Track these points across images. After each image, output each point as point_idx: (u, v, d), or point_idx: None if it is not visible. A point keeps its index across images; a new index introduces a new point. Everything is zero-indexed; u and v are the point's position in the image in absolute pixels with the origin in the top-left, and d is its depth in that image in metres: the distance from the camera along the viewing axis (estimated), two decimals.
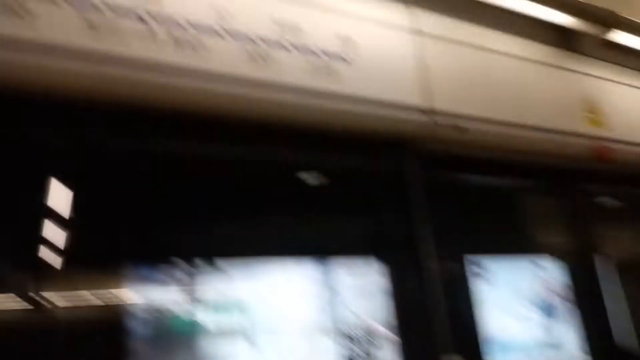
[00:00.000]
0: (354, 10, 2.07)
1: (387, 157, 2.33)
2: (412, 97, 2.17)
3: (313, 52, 1.96)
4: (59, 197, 4.19)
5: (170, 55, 1.70)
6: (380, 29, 2.12)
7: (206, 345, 4.04)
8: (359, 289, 4.66)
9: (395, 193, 3.35)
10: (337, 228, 4.38)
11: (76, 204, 4.22)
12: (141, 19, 1.67)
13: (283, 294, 4.54)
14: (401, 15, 2.20)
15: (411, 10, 2.20)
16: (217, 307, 4.25)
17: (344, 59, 2.02)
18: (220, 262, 4.43)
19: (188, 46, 1.74)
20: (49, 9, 1.52)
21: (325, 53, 1.98)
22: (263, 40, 1.88)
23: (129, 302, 4.06)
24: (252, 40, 1.86)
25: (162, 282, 4.42)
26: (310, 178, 3.81)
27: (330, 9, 2.03)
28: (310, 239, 4.49)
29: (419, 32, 2.24)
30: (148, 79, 1.66)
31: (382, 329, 4.48)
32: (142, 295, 4.64)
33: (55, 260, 6.33)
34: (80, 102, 1.62)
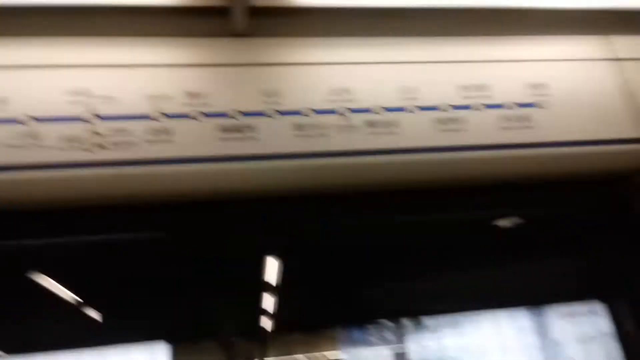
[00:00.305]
0: (544, 55, 1.98)
1: (603, 195, 2.11)
2: (623, 128, 1.96)
3: (503, 106, 1.92)
4: (274, 271, 4.63)
5: (365, 139, 1.81)
6: (573, 67, 1.98)
7: None
8: (580, 335, 4.20)
9: (615, 231, 3.00)
10: (551, 274, 4.05)
11: (289, 275, 4.64)
12: (339, 114, 1.83)
13: (496, 346, 4.30)
14: (595, 47, 2.04)
15: (606, 39, 2.03)
16: None
17: (538, 106, 1.93)
18: (428, 320, 4.39)
19: (381, 127, 1.84)
20: (266, 122, 1.76)
21: (517, 104, 1.92)
22: (450, 106, 1.90)
23: None
24: (440, 109, 1.89)
25: (372, 343, 4.53)
26: (512, 226, 3.64)
27: (517, 59, 1.98)
28: (521, 288, 4.22)
29: (616, 60, 2.05)
30: (345, 163, 1.79)
31: None
32: (353, 357, 4.78)
33: (273, 327, 6.86)
34: (289, 193, 1.81)
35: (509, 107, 1.93)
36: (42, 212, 1.71)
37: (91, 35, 1.77)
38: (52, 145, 1.65)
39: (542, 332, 4.36)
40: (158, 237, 2.31)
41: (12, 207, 1.67)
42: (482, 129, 1.89)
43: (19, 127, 1.64)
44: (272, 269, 4.72)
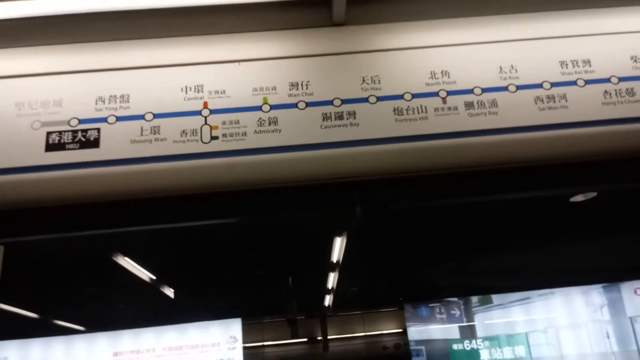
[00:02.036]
0: None
1: None
2: None
3: (606, 81, 1.88)
4: (339, 250, 4.71)
5: (465, 120, 1.82)
6: None
7: None
8: None
9: None
10: (626, 249, 3.95)
11: (354, 254, 4.70)
12: (440, 97, 1.84)
13: (566, 323, 4.24)
14: None
15: None
16: (499, 341, 4.18)
17: None
18: (498, 297, 4.37)
19: (480, 107, 1.84)
20: (366, 108, 1.80)
21: (620, 79, 1.88)
22: (552, 84, 1.88)
23: (410, 339, 4.27)
24: (541, 87, 1.87)
25: (439, 320, 4.55)
26: (586, 201, 3.56)
27: (617, 31, 1.92)
28: (595, 264, 4.14)
29: None
30: (445, 145, 1.81)
31: None
32: (420, 334, 4.82)
33: (336, 305, 6.98)
34: (388, 176, 1.84)
35: (612, 81, 1.89)
36: (153, 199, 1.81)
37: (203, 34, 1.85)
38: (169, 138, 1.74)
39: (616, 309, 4.26)
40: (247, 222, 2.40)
41: (128, 195, 1.78)
42: (584, 105, 1.86)
43: (140, 123, 1.74)
44: (337, 249, 4.79)
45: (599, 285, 4.23)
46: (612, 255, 4.17)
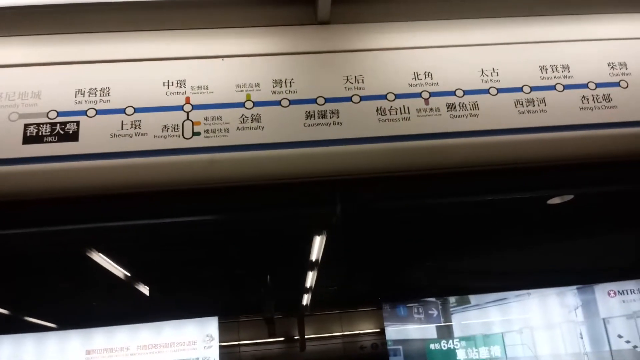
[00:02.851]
0: (623, 34, 1.97)
1: None
2: None
3: (584, 87, 1.92)
4: (318, 249, 4.72)
5: (447, 122, 1.84)
6: None
7: None
8: (629, 313, 4.20)
9: None
10: (601, 251, 4.05)
11: (332, 253, 4.72)
12: (422, 98, 1.86)
13: (541, 324, 4.32)
14: None
15: None
16: (475, 341, 4.25)
17: (618, 86, 1.92)
18: (475, 297, 4.44)
19: (462, 109, 1.86)
20: (350, 108, 1.80)
21: (597, 84, 1.92)
22: (531, 88, 1.91)
23: (387, 339, 4.30)
24: (521, 91, 1.91)
25: (417, 320, 4.59)
26: (563, 203, 3.63)
27: (596, 37, 1.97)
28: (571, 266, 4.23)
29: None
30: (426, 146, 1.82)
31: None
32: (397, 333, 4.86)
33: (313, 304, 6.99)
34: (368, 175, 1.85)
35: (589, 87, 1.93)
36: (132, 195, 1.79)
37: (186, 29, 1.83)
38: (149, 133, 1.72)
39: (590, 310, 4.36)
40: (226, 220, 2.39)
41: (108, 190, 1.75)
42: (562, 110, 1.90)
43: (121, 117, 1.72)
44: (316, 247, 4.80)
45: (573, 287, 4.33)
46: (587, 257, 4.27)
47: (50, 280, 4.34)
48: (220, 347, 4.37)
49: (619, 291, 4.21)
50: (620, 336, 4.15)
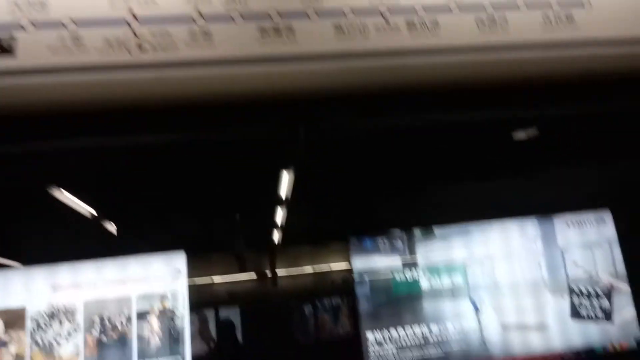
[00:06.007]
0: None
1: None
2: None
3: (547, 6, 1.87)
4: (286, 184, 4.70)
5: (406, 39, 1.78)
6: None
7: (429, 306, 4.21)
8: (587, 243, 4.37)
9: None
10: (562, 184, 4.14)
11: (300, 189, 4.72)
12: (380, 14, 1.78)
13: (502, 254, 4.46)
14: None
15: None
16: (438, 271, 4.37)
17: (581, 5, 1.88)
18: (438, 229, 4.53)
19: (422, 27, 1.80)
20: (305, 23, 1.72)
21: (560, 4, 1.87)
22: (493, 6, 1.85)
23: (354, 271, 4.38)
24: (483, 8, 1.85)
25: (383, 252, 4.68)
26: (526, 138, 3.66)
27: None
28: (532, 198, 4.33)
29: None
30: (387, 64, 1.77)
31: (612, 281, 4.16)
32: (364, 265, 4.95)
33: (283, 240, 7.07)
34: (325, 94, 1.79)
35: (552, 5, 1.88)
36: (78, 115, 1.70)
37: None
38: (93, 48, 1.62)
39: (549, 240, 4.52)
40: (182, 143, 2.31)
41: (51, 111, 1.66)
42: (524, 28, 1.86)
43: (60, 31, 1.60)
44: (284, 183, 4.79)
45: (533, 218, 4.45)
46: (547, 189, 4.37)
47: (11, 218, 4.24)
48: (190, 282, 4.40)
49: (576, 222, 4.36)
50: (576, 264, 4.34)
